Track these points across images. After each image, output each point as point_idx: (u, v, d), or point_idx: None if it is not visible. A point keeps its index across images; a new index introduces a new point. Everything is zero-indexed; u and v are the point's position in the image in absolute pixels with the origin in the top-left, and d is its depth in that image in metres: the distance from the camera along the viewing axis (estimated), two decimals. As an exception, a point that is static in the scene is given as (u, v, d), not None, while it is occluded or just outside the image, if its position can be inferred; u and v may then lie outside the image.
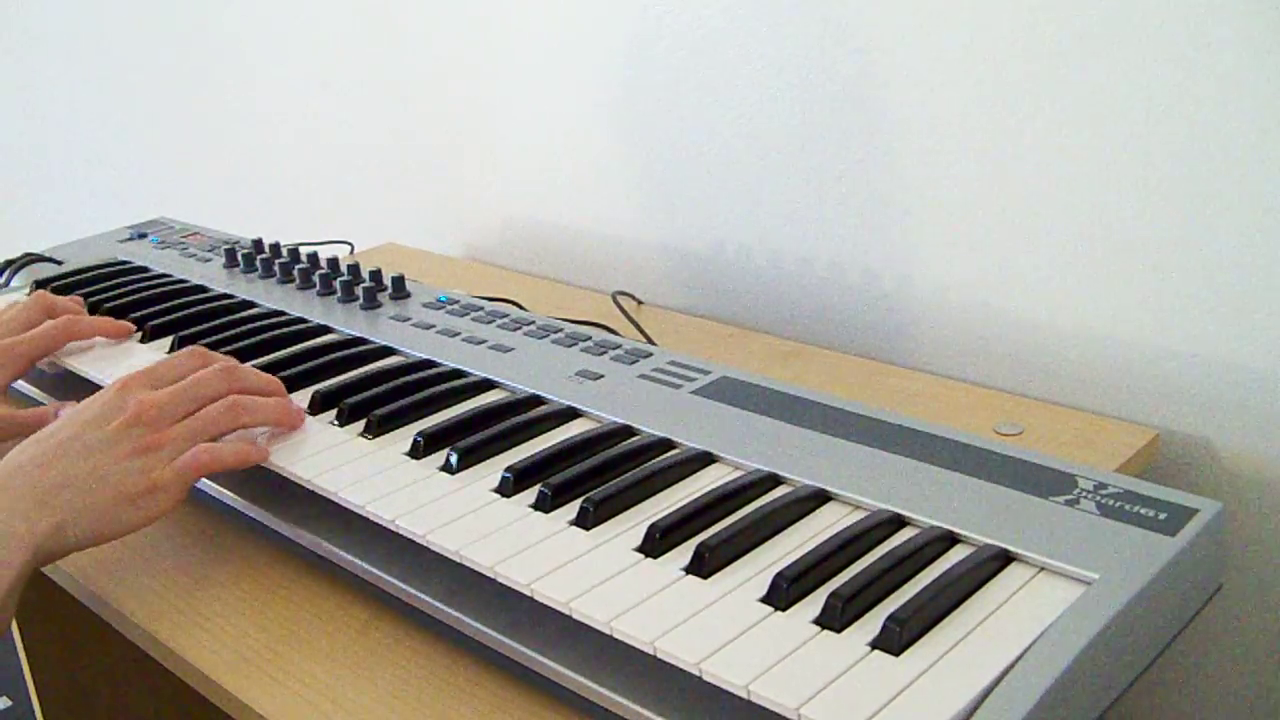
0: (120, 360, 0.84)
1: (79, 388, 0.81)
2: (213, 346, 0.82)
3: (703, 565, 0.55)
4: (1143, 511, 0.56)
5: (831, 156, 0.94)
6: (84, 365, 0.84)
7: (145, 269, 1.05)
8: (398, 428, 0.71)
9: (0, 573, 0.59)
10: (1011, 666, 0.47)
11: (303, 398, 0.76)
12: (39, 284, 1.01)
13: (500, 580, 0.56)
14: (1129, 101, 0.76)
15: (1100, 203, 0.80)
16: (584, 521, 0.59)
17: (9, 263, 1.11)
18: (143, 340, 0.88)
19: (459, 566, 0.58)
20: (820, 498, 0.61)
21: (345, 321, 0.88)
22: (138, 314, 0.91)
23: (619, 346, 0.80)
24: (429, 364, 0.79)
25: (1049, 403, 0.84)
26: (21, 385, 0.89)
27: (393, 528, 0.61)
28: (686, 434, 0.67)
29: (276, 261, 0.98)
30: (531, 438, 0.69)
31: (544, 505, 0.61)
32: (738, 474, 0.64)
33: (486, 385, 0.76)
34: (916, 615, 0.49)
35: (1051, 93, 0.80)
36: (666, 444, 0.67)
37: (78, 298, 0.93)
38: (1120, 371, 0.82)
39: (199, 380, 0.70)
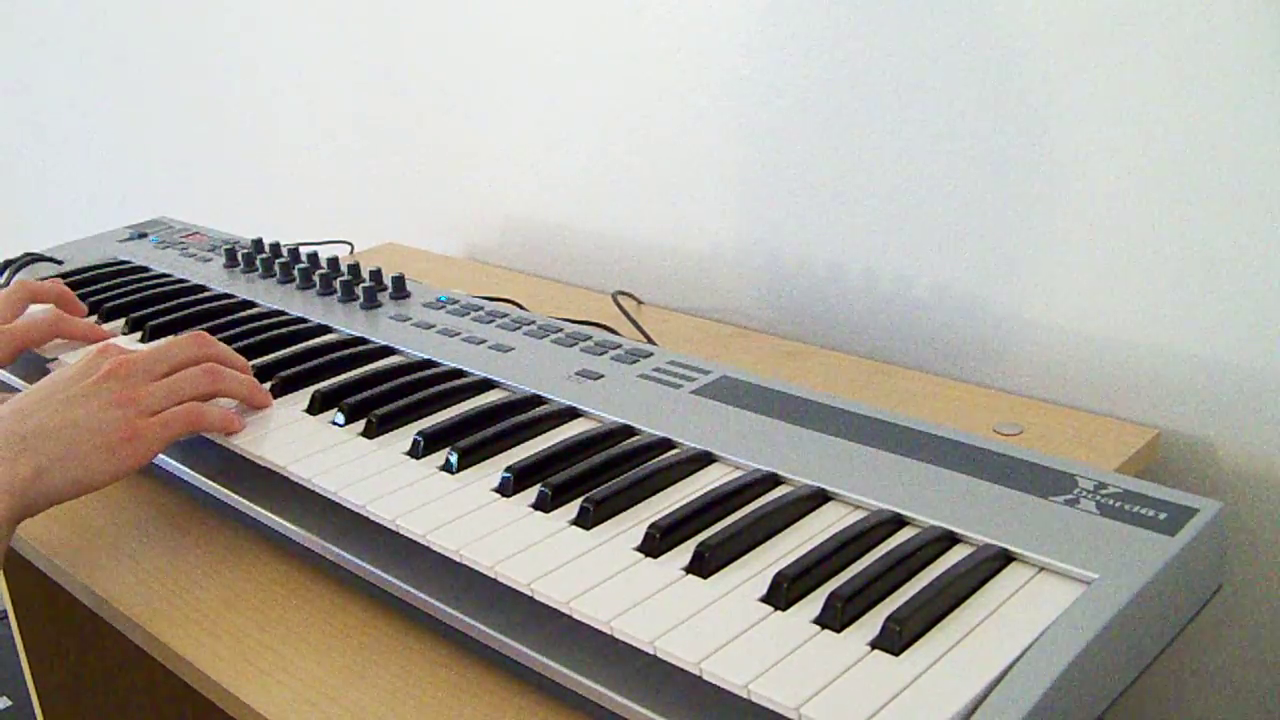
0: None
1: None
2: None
3: (703, 565, 0.55)
4: (1143, 511, 0.56)
5: (831, 156, 0.94)
6: (72, 359, 0.83)
7: (145, 269, 1.05)
8: (398, 428, 0.71)
9: None
10: (1011, 666, 0.47)
11: (303, 398, 0.76)
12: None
13: (500, 580, 0.56)
14: (1126, 101, 0.77)
15: (1099, 203, 0.80)
16: (584, 521, 0.59)
17: (9, 263, 1.11)
18: (142, 340, 0.88)
19: (459, 566, 0.58)
20: (820, 498, 0.61)
21: (345, 321, 0.88)
22: (138, 314, 0.91)
23: (619, 346, 0.80)
24: (429, 364, 0.79)
25: (1049, 403, 0.84)
26: (2, 375, 0.88)
27: (393, 528, 0.61)
28: (686, 434, 0.67)
29: (276, 261, 0.98)
30: (531, 438, 0.69)
31: (544, 505, 0.61)
32: (738, 474, 0.64)
33: (486, 385, 0.76)
34: (916, 615, 0.49)
35: (1047, 91, 0.80)
36: (666, 444, 0.67)
37: (57, 280, 0.90)
38: (1120, 371, 0.82)
39: (175, 343, 0.73)
